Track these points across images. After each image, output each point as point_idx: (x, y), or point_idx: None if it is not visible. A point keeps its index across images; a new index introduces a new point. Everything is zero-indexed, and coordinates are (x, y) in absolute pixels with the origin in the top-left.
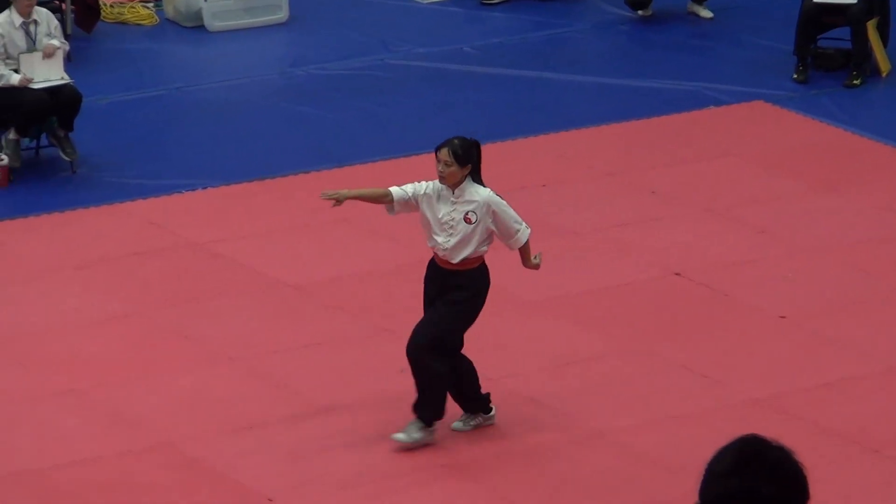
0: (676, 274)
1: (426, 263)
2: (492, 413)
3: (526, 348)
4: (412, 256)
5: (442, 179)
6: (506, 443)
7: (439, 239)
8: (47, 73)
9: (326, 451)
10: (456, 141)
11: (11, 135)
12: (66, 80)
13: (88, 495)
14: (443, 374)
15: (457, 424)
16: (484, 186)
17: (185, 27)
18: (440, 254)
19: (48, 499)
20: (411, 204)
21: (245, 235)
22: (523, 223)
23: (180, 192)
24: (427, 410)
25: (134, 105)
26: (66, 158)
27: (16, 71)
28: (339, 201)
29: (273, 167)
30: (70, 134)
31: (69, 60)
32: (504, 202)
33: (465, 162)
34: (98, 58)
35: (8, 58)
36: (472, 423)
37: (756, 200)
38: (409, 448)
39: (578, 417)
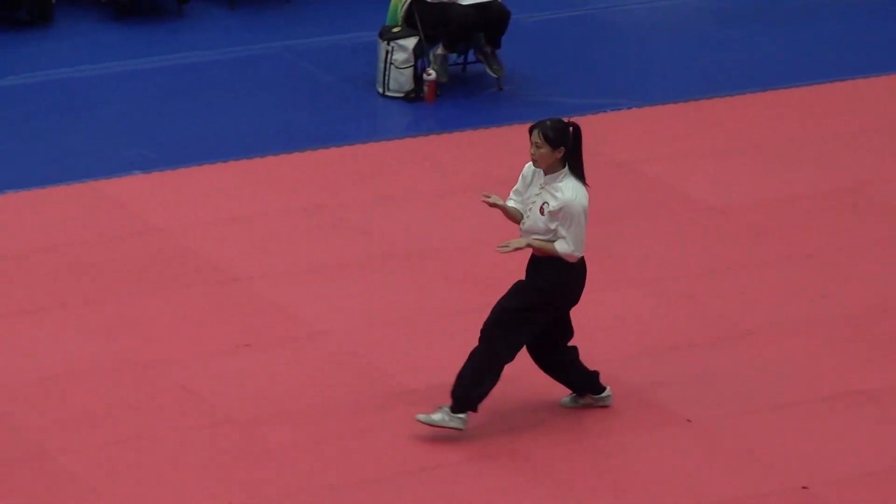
0: None
1: (851, 191)
2: (604, 394)
3: None
4: (838, 182)
5: (534, 162)
6: None
7: (521, 218)
8: None
9: (748, 375)
10: (549, 122)
11: (439, 50)
12: None
13: (505, 409)
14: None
15: (565, 400)
16: (578, 180)
17: None
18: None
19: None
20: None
21: (669, 156)
22: (576, 245)
23: (605, 111)
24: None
25: (560, 23)
26: (493, 75)
27: None
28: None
29: (697, 90)
30: (497, 51)
31: None
32: (578, 213)
33: (557, 144)
34: None
35: None
36: (580, 402)
37: None
38: None
39: None
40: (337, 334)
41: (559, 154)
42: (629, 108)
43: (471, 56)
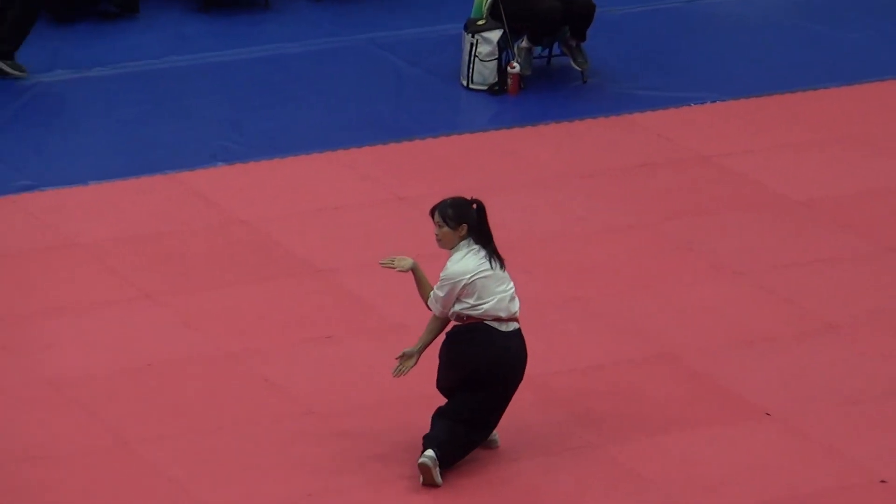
0: None
1: None
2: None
3: None
4: None
5: (438, 243)
6: None
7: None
8: None
9: (830, 369)
10: (448, 201)
11: (524, 43)
12: None
13: (586, 402)
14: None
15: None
16: (476, 254)
17: None
18: None
19: (547, 401)
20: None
21: (752, 150)
22: (434, 302)
23: (689, 104)
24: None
25: (645, 16)
26: (577, 68)
27: None
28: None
29: (781, 83)
30: (582, 44)
31: None
32: (443, 279)
33: (459, 222)
34: None
35: None
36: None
37: None
38: None
39: None
40: (418, 327)
41: (462, 232)
42: (713, 101)
43: (556, 49)
